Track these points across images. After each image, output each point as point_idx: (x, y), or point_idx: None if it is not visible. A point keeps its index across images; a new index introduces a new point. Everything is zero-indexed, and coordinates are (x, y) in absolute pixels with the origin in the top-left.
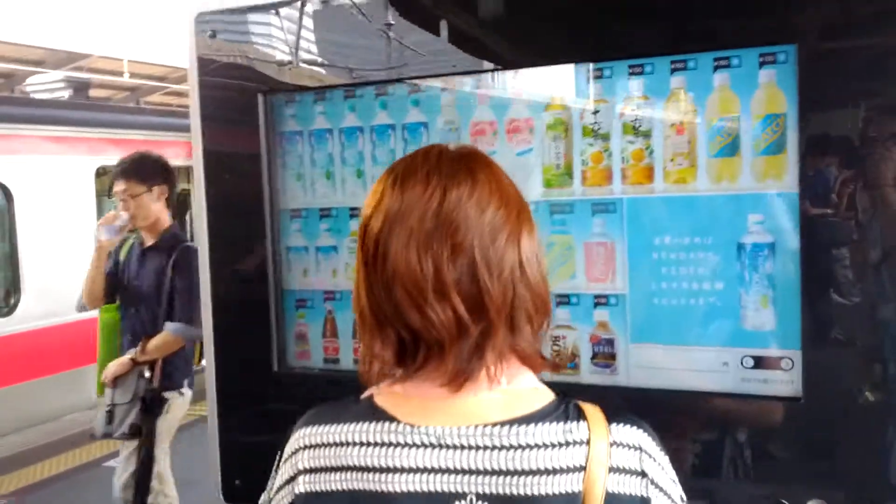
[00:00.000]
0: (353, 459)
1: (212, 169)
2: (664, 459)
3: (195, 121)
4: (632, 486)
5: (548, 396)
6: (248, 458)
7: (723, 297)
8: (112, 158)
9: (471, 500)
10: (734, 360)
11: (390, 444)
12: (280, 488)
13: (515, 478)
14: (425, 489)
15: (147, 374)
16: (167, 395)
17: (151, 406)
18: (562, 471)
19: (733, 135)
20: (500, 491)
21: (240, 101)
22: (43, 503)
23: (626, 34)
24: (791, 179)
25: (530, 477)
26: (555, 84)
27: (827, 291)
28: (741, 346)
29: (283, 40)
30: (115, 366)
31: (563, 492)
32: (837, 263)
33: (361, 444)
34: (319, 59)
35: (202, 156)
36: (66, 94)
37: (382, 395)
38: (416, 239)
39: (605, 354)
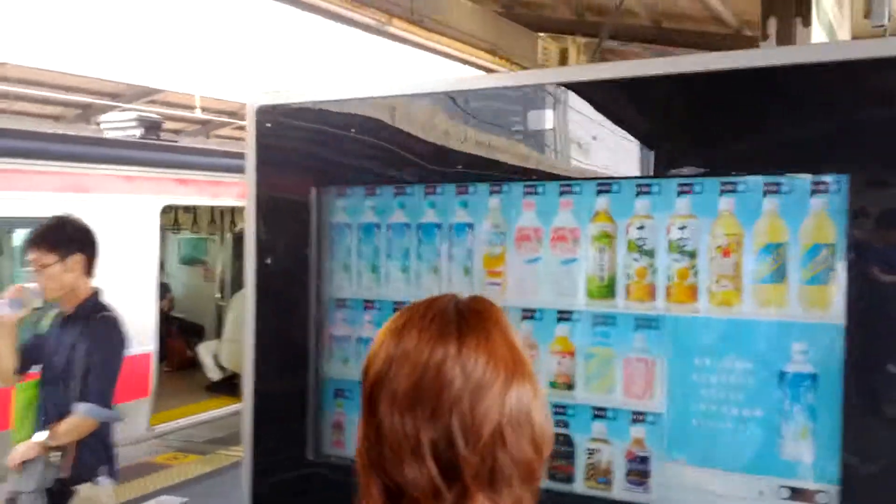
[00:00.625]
0: None
1: (261, 253)
2: None
3: (250, 208)
4: None
5: None
6: None
7: (762, 424)
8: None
9: None
10: (770, 489)
11: None
12: None
13: None
14: None
15: (54, 460)
16: (78, 486)
17: (57, 499)
18: None
19: (780, 261)
20: None
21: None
22: None
23: (678, 152)
24: (837, 310)
25: None
26: (603, 196)
27: (869, 427)
28: (778, 475)
29: (340, 135)
30: (23, 448)
31: None
32: (881, 399)
33: None
34: (372, 155)
35: (254, 243)
36: (137, 133)
37: None
38: (402, 396)
39: (638, 472)
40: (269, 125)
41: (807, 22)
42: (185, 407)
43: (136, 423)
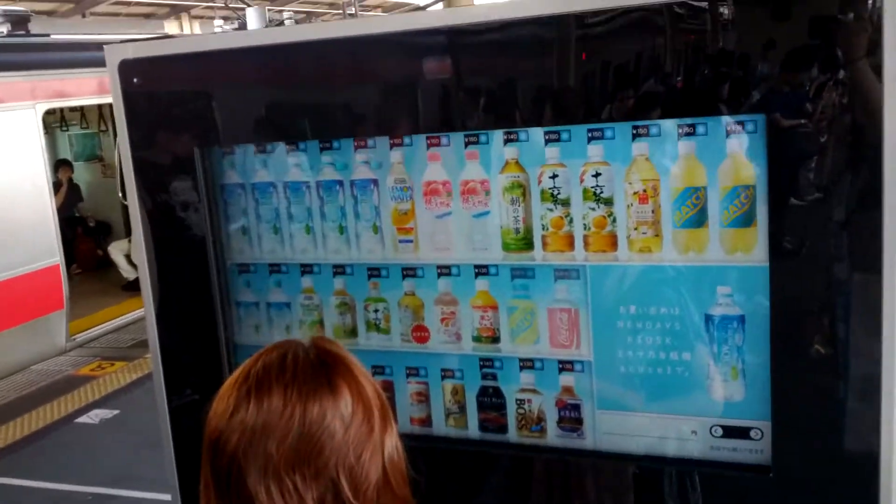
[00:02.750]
0: None
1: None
2: None
3: (128, 173)
4: None
5: None
6: None
7: (691, 367)
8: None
9: None
10: (703, 429)
11: None
12: None
13: None
14: None
15: None
16: None
17: None
18: None
19: (700, 205)
20: None
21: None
22: (24, 469)
23: (588, 99)
24: (761, 252)
25: None
26: (511, 146)
27: (797, 364)
28: (710, 415)
29: (219, 88)
30: None
31: None
32: (807, 337)
33: None
34: (256, 111)
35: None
36: (3, 30)
37: None
38: (276, 464)
39: (571, 419)
40: (136, 80)
41: None
42: (104, 311)
43: (54, 336)
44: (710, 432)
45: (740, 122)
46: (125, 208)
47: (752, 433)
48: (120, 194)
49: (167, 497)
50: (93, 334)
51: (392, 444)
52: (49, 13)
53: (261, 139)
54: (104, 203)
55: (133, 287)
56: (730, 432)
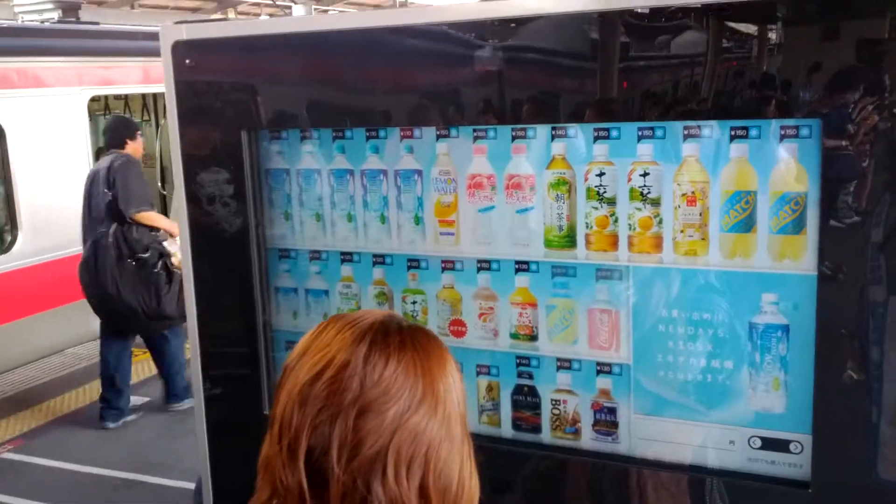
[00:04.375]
0: None
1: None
2: None
3: (175, 153)
4: None
5: None
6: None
7: (732, 375)
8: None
9: None
10: (741, 439)
11: None
12: None
13: None
14: None
15: None
16: None
17: None
18: None
19: (749, 210)
20: None
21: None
22: (54, 450)
23: (639, 97)
24: (810, 260)
25: None
26: (559, 142)
27: (841, 377)
28: (749, 425)
29: (270, 73)
30: None
31: None
32: (853, 349)
33: None
34: (304, 97)
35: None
36: (55, 16)
37: None
38: (298, 388)
39: (607, 423)
40: (188, 62)
41: None
42: None
43: (91, 320)
44: (749, 443)
45: (794, 127)
46: (163, 198)
47: (792, 446)
48: (159, 184)
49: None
50: None
51: (413, 435)
52: (99, 3)
53: (307, 125)
54: None
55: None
56: (769, 444)
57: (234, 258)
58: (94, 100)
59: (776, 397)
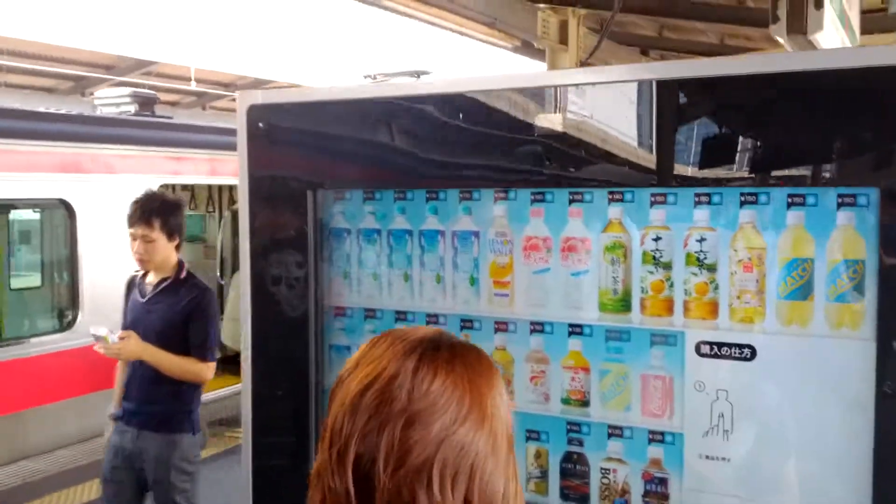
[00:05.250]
0: None
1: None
2: None
3: (243, 211)
4: None
5: None
6: None
7: (788, 452)
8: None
9: None
10: None
11: None
12: None
13: None
14: None
15: None
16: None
17: None
18: None
19: (806, 277)
20: None
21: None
22: None
23: (697, 163)
24: (868, 329)
25: None
26: (615, 206)
27: None
28: None
29: (337, 136)
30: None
31: None
32: None
33: None
34: (368, 159)
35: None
36: (132, 109)
37: None
38: (349, 399)
39: (657, 494)
40: (261, 125)
41: (819, 4)
42: None
43: None
44: None
45: (852, 195)
46: (221, 289)
47: None
48: (218, 273)
49: None
50: None
51: (459, 448)
52: (173, 104)
53: (369, 186)
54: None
55: (218, 367)
56: None
57: (293, 315)
58: (162, 187)
59: (832, 474)
